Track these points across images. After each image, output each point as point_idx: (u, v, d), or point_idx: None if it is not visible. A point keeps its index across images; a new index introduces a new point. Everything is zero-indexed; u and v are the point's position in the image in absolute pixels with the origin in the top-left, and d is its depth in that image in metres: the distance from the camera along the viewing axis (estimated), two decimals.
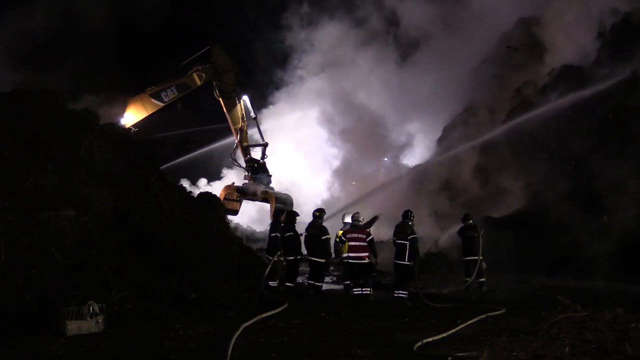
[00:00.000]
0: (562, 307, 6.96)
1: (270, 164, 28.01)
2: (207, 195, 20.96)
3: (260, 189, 26.50)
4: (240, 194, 26.74)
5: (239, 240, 20.68)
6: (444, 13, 34.71)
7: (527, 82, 29.00)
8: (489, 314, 12.80)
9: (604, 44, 25.86)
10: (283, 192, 27.57)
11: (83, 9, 23.46)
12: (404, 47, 37.42)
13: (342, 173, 36.54)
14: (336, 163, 37.38)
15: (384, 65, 37.63)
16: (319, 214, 17.03)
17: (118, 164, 17.32)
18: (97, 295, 11.64)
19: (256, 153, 27.83)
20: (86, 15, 23.38)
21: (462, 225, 18.26)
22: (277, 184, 28.37)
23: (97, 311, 10.89)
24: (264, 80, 40.28)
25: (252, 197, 26.76)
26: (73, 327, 10.55)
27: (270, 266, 16.39)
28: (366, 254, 15.87)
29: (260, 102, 37.59)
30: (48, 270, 11.96)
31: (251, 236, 28.06)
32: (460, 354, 9.03)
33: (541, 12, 29.38)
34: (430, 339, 10.18)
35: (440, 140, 34.49)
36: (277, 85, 40.00)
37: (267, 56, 41.13)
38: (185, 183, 31.59)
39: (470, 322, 11.87)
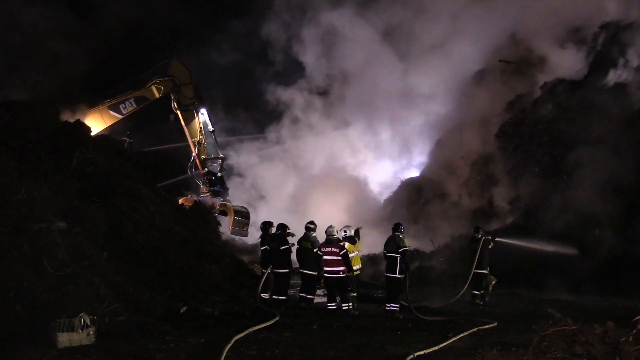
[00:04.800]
0: (553, 321, 7.00)
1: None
2: (198, 207, 20.94)
3: (218, 201, 26.42)
4: None
5: (230, 253, 20.64)
6: (434, 26, 34.58)
7: (520, 95, 29.08)
8: (480, 327, 12.82)
9: (596, 58, 26.07)
10: (240, 206, 27.51)
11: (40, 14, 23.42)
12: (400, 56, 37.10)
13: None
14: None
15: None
16: (311, 226, 16.97)
17: (110, 175, 17.32)
18: (89, 307, 11.61)
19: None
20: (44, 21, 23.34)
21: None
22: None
23: (89, 323, 10.86)
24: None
25: (210, 209, 26.74)
26: (64, 339, 10.51)
27: (263, 279, 16.36)
28: (341, 268, 15.59)
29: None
30: (39, 282, 11.91)
31: (242, 248, 27.96)
32: None
33: (533, 26, 29.47)
34: (421, 352, 10.21)
35: (432, 153, 34.45)
36: None
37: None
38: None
39: (461, 335, 11.91)
